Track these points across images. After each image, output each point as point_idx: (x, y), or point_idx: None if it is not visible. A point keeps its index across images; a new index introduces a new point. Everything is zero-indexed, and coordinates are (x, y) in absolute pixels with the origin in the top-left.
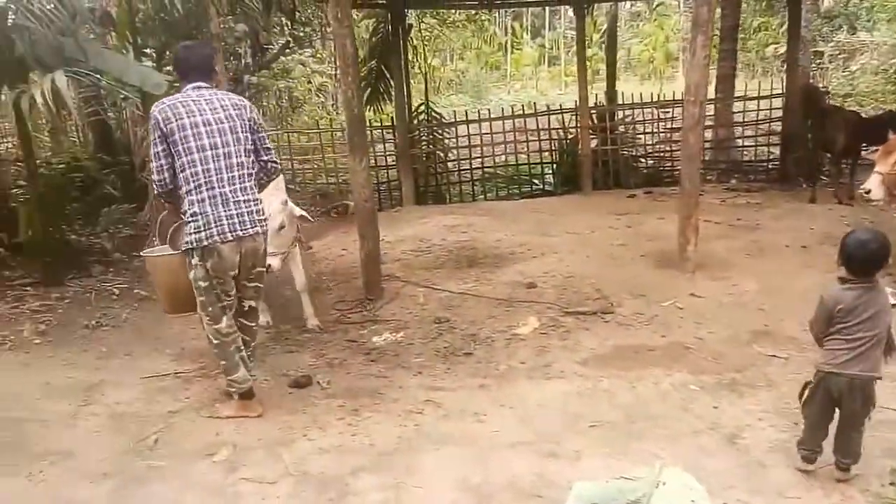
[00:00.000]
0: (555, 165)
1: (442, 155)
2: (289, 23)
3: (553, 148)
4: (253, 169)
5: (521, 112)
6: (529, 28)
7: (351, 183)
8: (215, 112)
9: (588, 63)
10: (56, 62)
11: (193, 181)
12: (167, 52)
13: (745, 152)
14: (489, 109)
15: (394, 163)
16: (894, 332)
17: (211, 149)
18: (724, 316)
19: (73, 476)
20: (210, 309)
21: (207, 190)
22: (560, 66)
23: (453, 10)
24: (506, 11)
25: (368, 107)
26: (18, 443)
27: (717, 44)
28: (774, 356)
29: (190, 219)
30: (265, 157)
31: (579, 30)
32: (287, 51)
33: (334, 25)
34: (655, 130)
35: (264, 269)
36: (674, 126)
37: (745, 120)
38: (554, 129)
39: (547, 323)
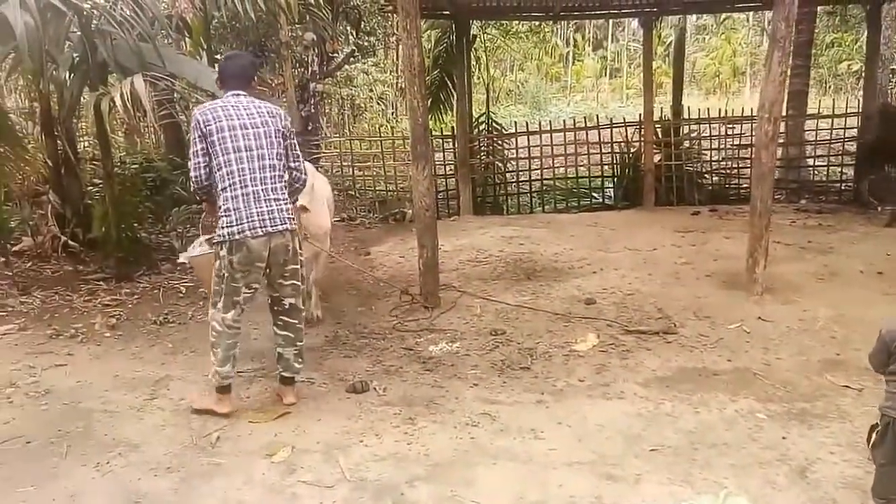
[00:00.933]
0: (615, 179)
1: (501, 165)
2: (354, 32)
3: (614, 161)
4: (284, 172)
5: (581, 124)
6: (591, 40)
7: (412, 191)
8: (252, 118)
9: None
10: (135, 66)
11: (228, 179)
12: None
13: (816, 172)
14: (550, 121)
15: (452, 172)
16: None
17: (246, 150)
18: (793, 342)
19: (139, 468)
20: (224, 298)
21: (241, 188)
22: (622, 79)
23: (516, 21)
24: (568, 23)
25: (430, 116)
26: (88, 433)
27: (790, 60)
28: (847, 387)
29: (223, 214)
30: (293, 165)
31: (646, 42)
32: (351, 59)
33: (403, 36)
34: (722, 146)
35: (299, 267)
36: (741, 143)
37: (818, 138)
38: (615, 142)
39: (606, 341)
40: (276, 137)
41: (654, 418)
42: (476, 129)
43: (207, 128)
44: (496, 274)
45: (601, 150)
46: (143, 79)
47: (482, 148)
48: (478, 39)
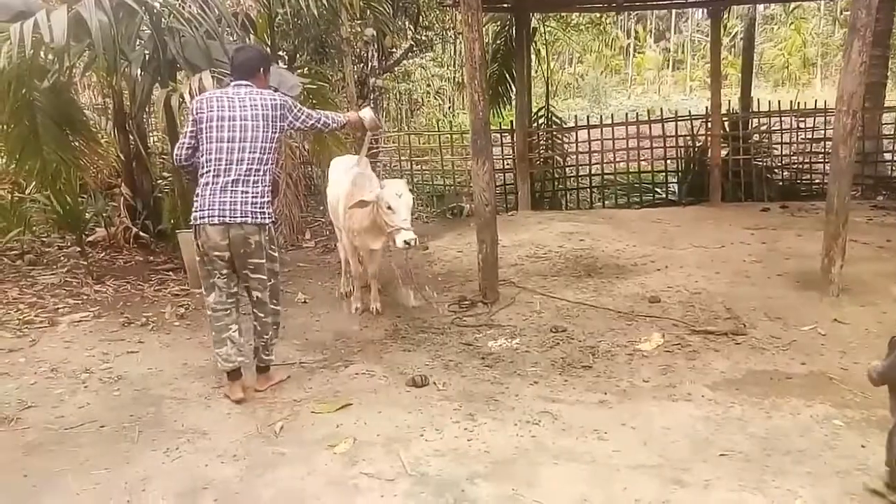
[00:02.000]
0: (680, 174)
1: (560, 160)
2: (412, 27)
3: (679, 156)
4: (267, 165)
5: (643, 118)
6: (653, 31)
7: (472, 186)
8: (244, 109)
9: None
10: (203, 63)
11: (206, 167)
12: (298, 55)
13: (894, 167)
14: (611, 115)
15: (510, 166)
16: None
17: (228, 141)
18: (872, 346)
19: (206, 455)
20: (203, 282)
21: (213, 177)
22: (685, 71)
23: (577, 13)
24: (629, 14)
25: (489, 110)
26: (158, 419)
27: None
28: None
29: (195, 199)
30: (311, 123)
31: (714, 32)
32: (410, 54)
33: (464, 30)
34: (793, 140)
35: (263, 262)
36: (814, 136)
37: None
38: (680, 135)
39: (672, 341)
40: (265, 130)
41: (724, 422)
42: (535, 124)
43: (199, 115)
44: (556, 270)
45: (665, 144)
46: (210, 75)
47: (541, 142)
48: (537, 32)
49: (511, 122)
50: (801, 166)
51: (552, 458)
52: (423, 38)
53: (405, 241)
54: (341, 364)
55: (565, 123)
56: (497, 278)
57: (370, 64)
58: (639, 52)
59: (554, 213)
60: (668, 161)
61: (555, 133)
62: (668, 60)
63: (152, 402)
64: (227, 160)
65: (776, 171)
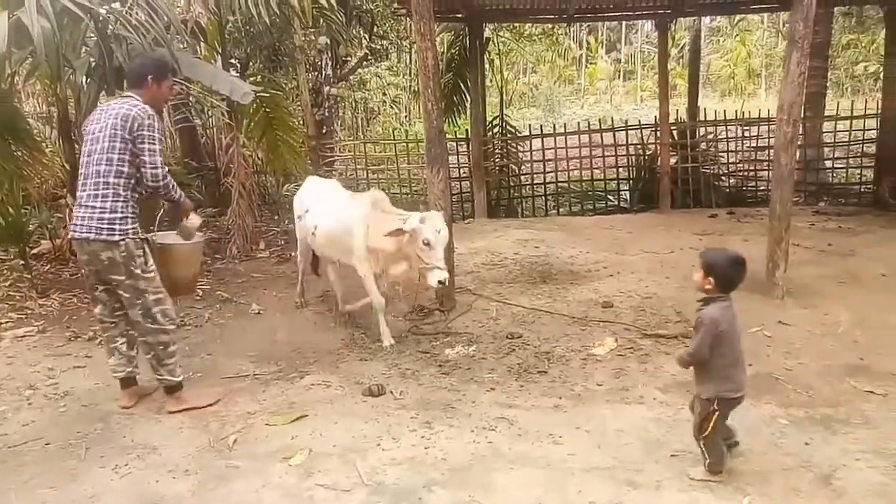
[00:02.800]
0: (631, 182)
1: (515, 168)
2: (367, 36)
3: (630, 164)
4: (120, 179)
5: (596, 127)
6: (604, 42)
7: (427, 194)
8: (100, 122)
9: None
10: None
11: (79, 181)
12: (251, 63)
13: (834, 174)
14: (564, 124)
15: (466, 175)
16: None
17: (86, 155)
18: (815, 347)
19: (157, 470)
20: (89, 293)
21: (79, 191)
22: (635, 81)
23: (529, 24)
24: (581, 25)
25: (444, 119)
26: (107, 435)
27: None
28: (871, 392)
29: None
30: (143, 168)
31: (661, 44)
32: (364, 63)
33: (417, 39)
34: (739, 149)
35: (123, 279)
36: (758, 145)
37: (836, 140)
38: (631, 144)
39: (624, 345)
40: (111, 141)
41: (675, 424)
42: (490, 132)
43: (83, 129)
44: (511, 277)
45: (616, 152)
46: None
47: (496, 151)
48: (491, 42)
49: (466, 130)
50: (746, 173)
51: (508, 464)
52: (379, 46)
53: (439, 281)
54: (296, 375)
55: (520, 132)
56: (453, 286)
57: (324, 72)
58: (591, 63)
59: (510, 221)
60: (620, 169)
61: (510, 142)
62: (620, 71)
63: (100, 418)
64: (84, 174)
65: (723, 178)
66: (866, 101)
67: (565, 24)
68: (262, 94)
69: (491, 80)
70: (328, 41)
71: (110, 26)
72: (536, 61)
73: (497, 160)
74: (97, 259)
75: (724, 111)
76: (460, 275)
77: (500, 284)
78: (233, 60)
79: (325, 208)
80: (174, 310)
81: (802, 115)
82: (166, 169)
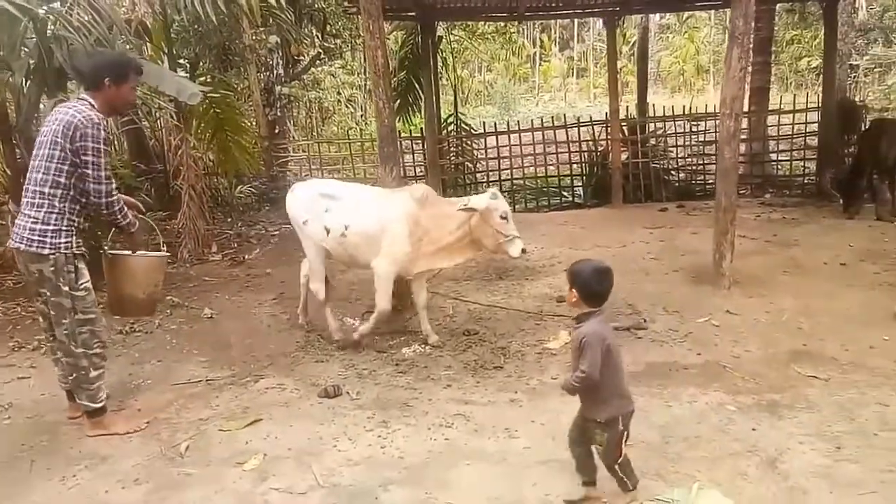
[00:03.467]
0: (584, 178)
1: (470, 166)
2: (319, 34)
3: (583, 160)
4: (57, 189)
5: (549, 124)
6: (558, 40)
7: None
8: (47, 126)
9: (618, 75)
10: None
11: None
12: (201, 63)
13: (779, 167)
14: (518, 121)
15: (422, 173)
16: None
17: (30, 161)
18: (761, 334)
19: (106, 481)
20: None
21: (22, 198)
22: (588, 78)
23: (482, 22)
24: (534, 24)
25: (398, 117)
26: (54, 447)
27: (750, 57)
28: (814, 377)
29: None
30: (87, 183)
31: (610, 41)
32: (318, 62)
33: (366, 37)
34: (687, 143)
35: (48, 294)
36: (706, 139)
37: (780, 134)
38: (584, 141)
39: None
40: (51, 148)
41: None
42: (445, 131)
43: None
44: (467, 274)
45: (569, 149)
46: None
47: (451, 149)
48: (444, 41)
49: (421, 129)
50: (695, 167)
51: (465, 459)
52: (332, 45)
53: (522, 250)
54: (250, 379)
55: (475, 130)
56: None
57: (276, 71)
58: (545, 61)
59: None
60: (574, 165)
61: (464, 139)
62: (573, 68)
63: (47, 430)
64: (26, 180)
65: (673, 172)
66: (808, 95)
67: (517, 23)
68: (211, 94)
69: (448, 79)
70: (278, 40)
71: (50, 27)
72: (491, 59)
73: (452, 158)
74: (27, 270)
75: (672, 107)
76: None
77: (457, 282)
78: (182, 61)
79: (355, 206)
80: (106, 332)
81: (747, 110)
82: (113, 185)
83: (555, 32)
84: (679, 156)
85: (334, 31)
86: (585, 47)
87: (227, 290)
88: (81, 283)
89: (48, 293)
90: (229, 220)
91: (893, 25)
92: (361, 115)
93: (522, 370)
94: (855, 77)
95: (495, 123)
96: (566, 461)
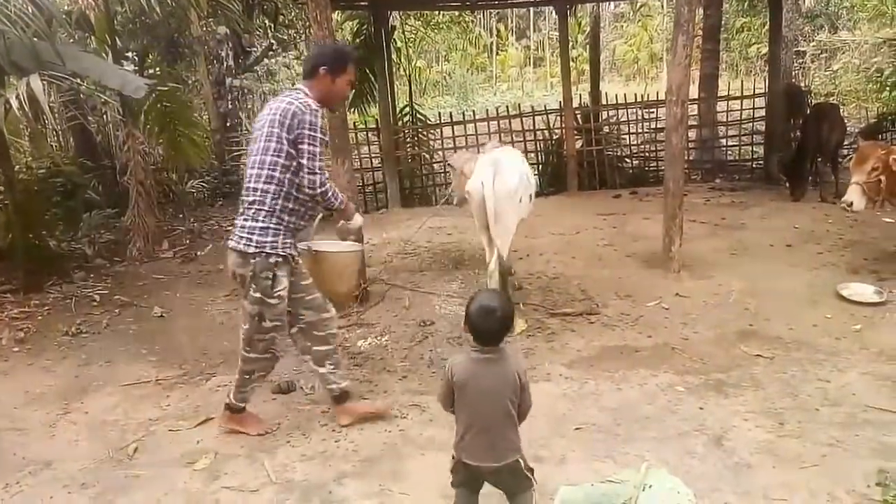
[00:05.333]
0: (540, 166)
1: (427, 157)
2: (271, 25)
3: (538, 149)
4: (267, 184)
5: (506, 113)
6: (514, 29)
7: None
8: (263, 118)
9: (573, 64)
10: (32, 66)
11: None
12: (149, 55)
13: (729, 152)
14: (474, 111)
15: (379, 165)
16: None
17: (249, 155)
18: (709, 316)
19: (51, 486)
20: None
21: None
22: (545, 68)
23: (437, 12)
24: (490, 13)
25: (352, 109)
26: None
27: (699, 44)
28: (760, 356)
29: None
30: (303, 172)
31: (562, 30)
32: (271, 53)
33: (314, 27)
34: (640, 131)
35: (246, 301)
36: (658, 126)
37: (729, 120)
38: (539, 129)
39: (533, 325)
40: (264, 141)
41: (579, 398)
42: (401, 121)
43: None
44: (425, 265)
45: (525, 138)
46: (40, 78)
47: (408, 140)
48: (398, 30)
49: (376, 120)
50: (647, 154)
51: (419, 450)
52: (285, 36)
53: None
54: (202, 378)
55: (431, 121)
56: (365, 277)
57: (226, 63)
58: (502, 50)
59: (424, 210)
60: (530, 154)
61: (420, 130)
62: (530, 58)
63: None
64: (245, 177)
65: (626, 159)
66: (755, 82)
67: (472, 12)
68: (159, 87)
69: (405, 69)
70: (228, 31)
71: None
72: (448, 49)
73: (409, 149)
74: (234, 271)
75: (624, 95)
76: (373, 265)
77: (413, 273)
78: (129, 54)
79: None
80: (283, 339)
81: (697, 97)
82: (326, 175)
83: (511, 22)
84: (632, 143)
85: (287, 21)
86: (542, 37)
87: (178, 287)
88: (276, 291)
89: (245, 292)
90: (181, 216)
91: (839, 12)
92: None
93: None
94: (802, 63)
95: (451, 114)
96: None
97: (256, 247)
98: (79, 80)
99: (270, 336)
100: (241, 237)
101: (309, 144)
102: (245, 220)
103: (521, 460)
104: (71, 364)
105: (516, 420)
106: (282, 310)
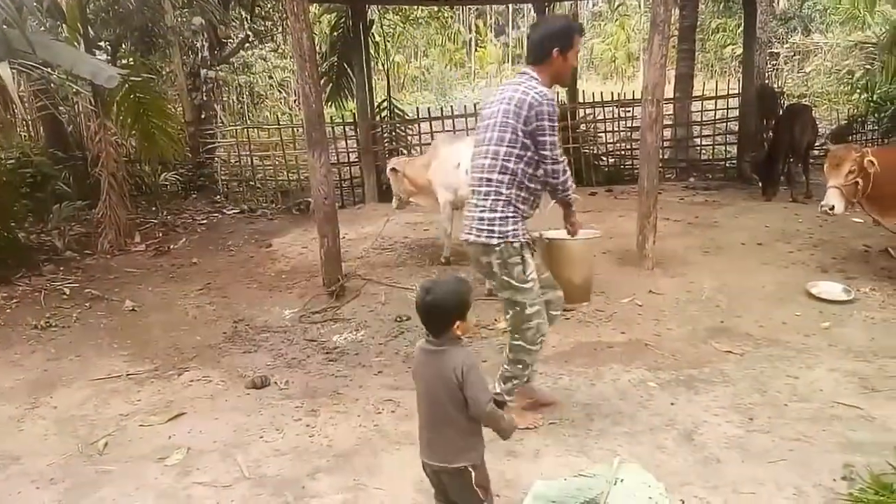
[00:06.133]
0: None
1: (405, 152)
2: (248, 17)
3: None
4: (502, 174)
5: None
6: (493, 26)
7: (310, 180)
8: (492, 105)
9: None
10: (1, 54)
11: None
12: (122, 45)
13: (703, 151)
14: (451, 107)
15: (356, 159)
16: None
17: (479, 145)
18: (681, 313)
19: (19, 481)
20: None
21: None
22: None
23: (416, 7)
24: (470, 9)
25: (330, 103)
26: None
27: (675, 44)
28: (730, 352)
29: None
30: (543, 165)
31: None
32: (247, 45)
33: (291, 20)
34: (616, 129)
35: (498, 287)
36: (634, 125)
37: (703, 119)
38: None
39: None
40: (500, 131)
41: (554, 392)
42: (378, 116)
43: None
44: (401, 260)
45: None
46: (9, 67)
47: (385, 135)
48: (377, 25)
49: (354, 114)
50: (623, 153)
51: (394, 445)
52: (262, 28)
53: None
54: (174, 372)
55: (409, 116)
56: (341, 272)
57: (201, 54)
58: (480, 47)
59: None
60: None
61: (398, 125)
62: (508, 55)
63: None
64: (475, 166)
65: (602, 157)
66: (729, 82)
67: (450, 8)
68: (133, 77)
69: (384, 64)
70: (203, 22)
71: None
72: (427, 45)
73: (386, 144)
74: (477, 262)
75: (602, 93)
76: (349, 260)
77: (390, 268)
78: (102, 43)
79: None
80: (546, 326)
81: (672, 96)
82: (565, 161)
83: (490, 18)
84: (608, 141)
85: (264, 13)
86: (521, 34)
87: (150, 281)
88: (529, 275)
89: (496, 285)
90: (153, 208)
91: (812, 15)
92: (295, 100)
93: None
94: (775, 64)
95: (429, 109)
96: (493, 441)
97: (499, 237)
98: (50, 70)
99: (535, 323)
100: (482, 230)
101: (549, 135)
102: (481, 211)
103: (470, 470)
104: (40, 358)
105: (463, 421)
106: (538, 292)
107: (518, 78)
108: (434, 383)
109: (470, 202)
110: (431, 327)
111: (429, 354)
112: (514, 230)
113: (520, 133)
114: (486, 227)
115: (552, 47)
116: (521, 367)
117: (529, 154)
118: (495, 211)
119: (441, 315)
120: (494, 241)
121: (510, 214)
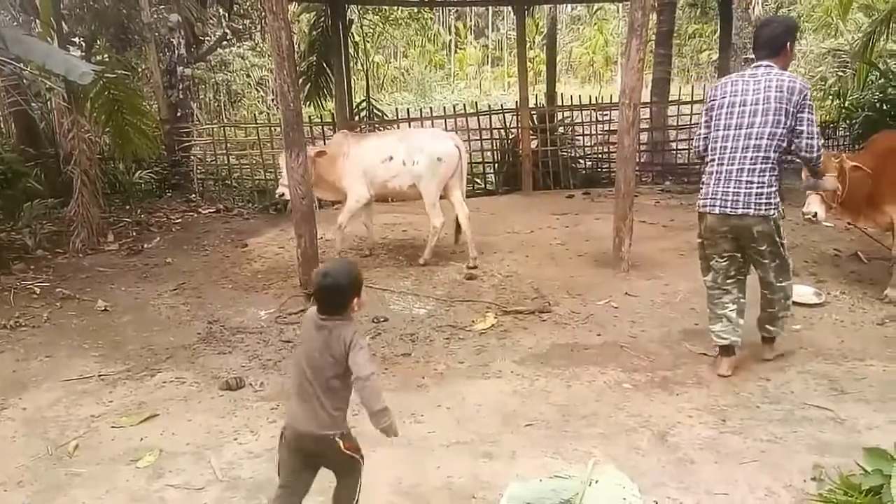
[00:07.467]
0: (496, 165)
1: None
2: (226, 14)
3: (494, 148)
4: (776, 153)
5: (463, 111)
6: (473, 28)
7: (287, 180)
8: (756, 93)
9: (530, 64)
10: None
11: (711, 155)
12: (97, 41)
13: (679, 155)
14: (431, 108)
15: None
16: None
17: (735, 128)
18: (656, 315)
19: None
20: (701, 262)
21: (717, 165)
22: (503, 67)
23: (396, 7)
24: (449, 11)
25: (308, 102)
26: None
27: (652, 49)
28: (704, 354)
29: (701, 185)
30: (801, 140)
31: (519, 30)
32: (224, 43)
33: (269, 18)
34: (594, 132)
35: (765, 248)
36: (611, 128)
37: (679, 124)
38: (496, 128)
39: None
40: (775, 115)
41: (530, 395)
42: (357, 116)
43: (711, 102)
44: (378, 261)
45: (482, 136)
46: None
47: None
48: (356, 25)
49: (333, 114)
50: (601, 156)
51: (370, 446)
52: (240, 26)
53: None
54: (147, 373)
55: (388, 116)
56: None
57: (177, 52)
58: (460, 49)
59: (379, 206)
60: (486, 153)
61: (377, 126)
62: (488, 57)
63: None
64: (731, 147)
65: (580, 160)
66: (705, 87)
67: (430, 9)
68: (108, 74)
69: (363, 64)
70: (179, 19)
71: None
72: (407, 46)
73: None
74: (746, 232)
75: (579, 97)
76: (327, 261)
77: (367, 269)
78: (76, 39)
79: None
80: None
81: (650, 100)
82: (821, 140)
83: (470, 20)
84: (586, 144)
85: (242, 10)
86: (500, 36)
87: (123, 280)
88: (785, 238)
89: (764, 247)
90: (127, 207)
91: None
92: (273, 99)
93: (430, 355)
94: None
95: (408, 110)
96: (468, 443)
97: (775, 208)
98: (22, 65)
99: (791, 261)
100: (760, 203)
101: (811, 114)
102: (759, 186)
103: (339, 440)
104: (8, 358)
105: (340, 392)
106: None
107: (762, 70)
108: (321, 353)
109: (731, 179)
110: (332, 306)
111: (320, 329)
112: (779, 202)
113: (790, 116)
114: (763, 202)
115: (785, 41)
116: (789, 301)
117: (789, 134)
118: (772, 186)
119: (341, 294)
120: (773, 213)
121: (777, 188)
